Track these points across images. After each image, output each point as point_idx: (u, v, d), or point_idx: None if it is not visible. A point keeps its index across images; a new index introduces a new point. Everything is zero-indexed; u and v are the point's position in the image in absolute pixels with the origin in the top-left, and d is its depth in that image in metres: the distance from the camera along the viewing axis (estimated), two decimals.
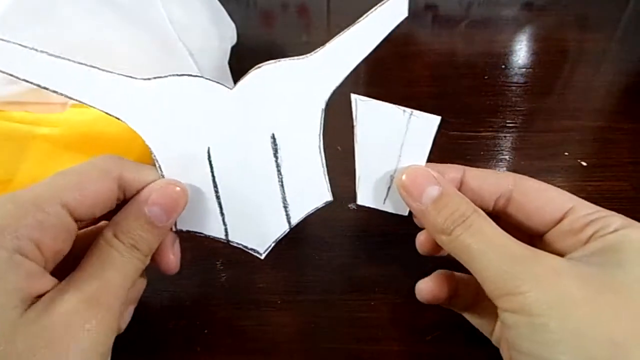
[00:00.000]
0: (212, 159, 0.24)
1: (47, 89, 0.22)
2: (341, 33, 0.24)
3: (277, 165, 0.24)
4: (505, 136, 0.39)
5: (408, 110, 0.24)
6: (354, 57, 0.25)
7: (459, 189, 0.24)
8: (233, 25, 0.43)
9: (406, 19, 0.24)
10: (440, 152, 0.37)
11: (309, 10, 0.55)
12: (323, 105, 0.25)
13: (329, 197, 0.25)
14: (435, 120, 0.24)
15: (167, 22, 0.35)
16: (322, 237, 0.32)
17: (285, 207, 0.25)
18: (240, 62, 0.42)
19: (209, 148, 0.24)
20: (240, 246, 0.25)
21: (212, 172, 0.24)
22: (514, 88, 0.44)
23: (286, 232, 0.25)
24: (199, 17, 0.37)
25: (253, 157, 0.24)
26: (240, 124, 0.24)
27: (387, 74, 0.47)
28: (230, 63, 0.41)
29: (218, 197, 0.24)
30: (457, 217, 0.22)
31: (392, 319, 0.27)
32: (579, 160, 0.37)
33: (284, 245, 0.31)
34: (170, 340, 0.27)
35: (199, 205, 0.24)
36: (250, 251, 0.25)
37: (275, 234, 0.25)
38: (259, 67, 0.23)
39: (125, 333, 0.27)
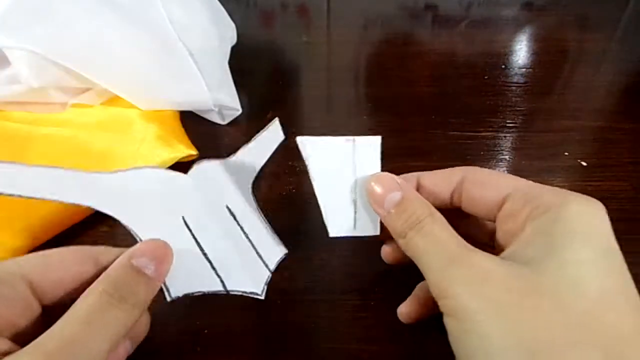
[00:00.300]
0: (189, 225, 0.26)
1: (20, 196, 0.23)
2: (242, 147, 0.32)
3: (241, 227, 0.28)
4: (505, 136, 0.39)
5: (350, 137, 0.25)
6: (256, 163, 0.33)
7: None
8: (233, 25, 0.43)
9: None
10: (441, 152, 0.38)
11: (309, 10, 0.54)
12: (250, 188, 0.30)
13: (284, 250, 0.28)
14: (377, 140, 0.25)
15: (167, 22, 0.35)
16: (322, 237, 0.32)
17: (261, 257, 0.27)
18: (241, 62, 0.42)
19: (183, 217, 0.26)
20: (239, 293, 0.26)
21: (192, 234, 0.26)
22: (514, 88, 0.44)
23: (270, 276, 0.27)
24: (199, 17, 0.37)
25: (221, 221, 0.27)
26: (201, 199, 0.27)
27: (387, 74, 0.47)
28: (230, 63, 0.41)
29: (205, 255, 0.26)
30: (413, 221, 0.22)
31: (392, 319, 0.27)
32: (579, 160, 0.37)
33: (284, 245, 0.31)
34: (170, 340, 0.27)
35: (190, 267, 0.25)
36: (250, 295, 0.26)
37: (263, 278, 0.27)
38: (199, 163, 0.28)
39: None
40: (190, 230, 0.26)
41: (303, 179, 0.35)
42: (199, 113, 0.40)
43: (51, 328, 0.18)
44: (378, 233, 0.26)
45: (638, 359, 0.17)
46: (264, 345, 0.27)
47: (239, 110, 0.40)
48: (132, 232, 0.24)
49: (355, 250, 0.31)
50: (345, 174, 0.25)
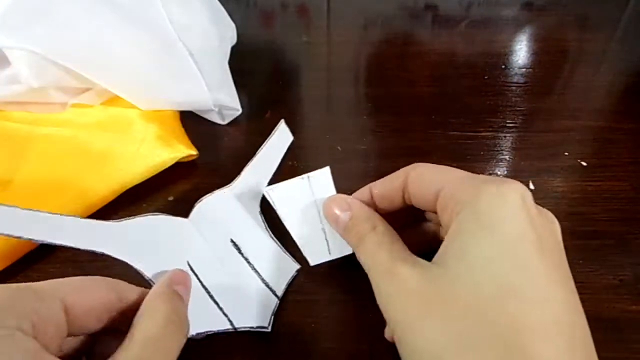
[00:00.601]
0: (194, 268, 0.27)
1: (41, 241, 0.25)
2: (249, 162, 0.33)
3: (246, 259, 0.29)
4: (505, 136, 0.39)
5: (305, 175, 0.28)
6: (264, 176, 0.33)
7: (374, 206, 0.26)
8: (233, 25, 0.43)
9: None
10: (441, 152, 0.38)
11: (309, 10, 0.54)
12: (258, 210, 0.31)
13: (297, 266, 0.30)
14: (327, 170, 0.28)
15: (167, 22, 0.35)
16: None
17: (267, 285, 0.28)
18: (241, 62, 0.42)
19: (188, 261, 0.27)
20: (247, 329, 0.27)
21: (198, 279, 0.27)
22: (514, 88, 0.44)
23: (278, 303, 0.28)
24: (199, 17, 0.37)
25: (225, 258, 0.29)
26: (204, 240, 0.29)
27: (387, 74, 0.47)
28: (230, 63, 0.41)
29: (212, 297, 0.27)
30: (359, 237, 0.24)
31: None
32: (579, 160, 0.37)
33: (284, 245, 0.31)
34: None
35: (199, 308, 0.26)
36: (257, 329, 0.27)
37: (270, 308, 0.28)
38: (201, 200, 0.30)
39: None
40: (195, 274, 0.27)
41: None
42: (199, 113, 0.40)
43: (121, 352, 0.19)
44: (352, 252, 0.27)
45: (541, 348, 0.17)
46: (264, 345, 0.27)
47: (239, 110, 0.40)
48: (143, 275, 0.26)
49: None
50: (309, 208, 0.28)
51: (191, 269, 0.27)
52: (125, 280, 0.23)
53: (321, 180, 0.28)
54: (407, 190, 0.25)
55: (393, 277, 0.21)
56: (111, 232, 0.27)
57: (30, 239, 0.25)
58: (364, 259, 0.23)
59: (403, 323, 0.20)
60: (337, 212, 0.26)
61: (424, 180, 0.24)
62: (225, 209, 0.30)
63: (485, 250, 0.19)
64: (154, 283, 0.25)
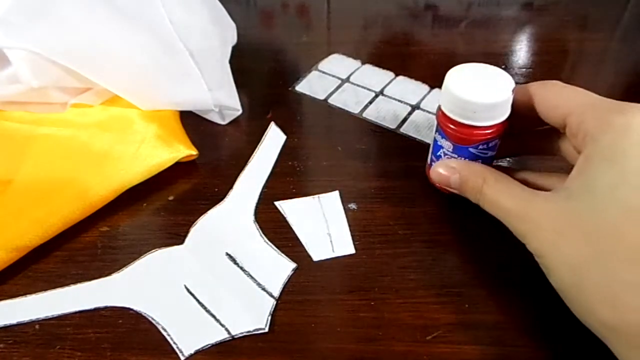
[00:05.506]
0: (191, 290, 0.29)
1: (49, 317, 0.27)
2: (242, 171, 0.35)
3: (241, 268, 0.30)
4: None
5: (316, 196, 0.33)
6: (258, 181, 0.34)
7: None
8: (233, 25, 0.43)
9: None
10: None
11: (309, 10, 0.54)
12: (252, 218, 0.32)
13: (292, 265, 0.30)
14: (335, 194, 0.33)
15: (167, 22, 0.35)
16: None
17: (263, 288, 0.29)
18: (241, 62, 0.42)
19: (185, 285, 0.29)
20: (244, 334, 0.27)
21: (195, 298, 0.28)
22: None
23: (274, 303, 0.28)
24: (199, 17, 0.37)
25: (221, 272, 0.29)
26: (200, 261, 0.30)
27: None
28: (230, 63, 0.41)
29: (208, 311, 0.27)
30: (476, 192, 0.27)
31: (392, 319, 0.27)
32: None
33: (284, 244, 0.31)
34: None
35: (196, 324, 0.27)
36: (254, 332, 0.27)
37: (266, 309, 0.28)
38: (195, 224, 0.32)
39: (129, 332, 0.27)
40: (192, 294, 0.28)
41: (303, 178, 0.35)
42: (199, 113, 0.40)
43: None
44: (354, 252, 0.30)
45: None
46: (264, 345, 0.27)
47: (239, 110, 0.40)
48: (143, 314, 0.27)
49: (355, 250, 0.31)
50: (317, 218, 0.32)
51: (188, 291, 0.28)
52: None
53: (330, 201, 0.33)
54: (535, 107, 0.28)
55: (524, 220, 0.24)
56: (112, 285, 0.29)
57: (37, 319, 0.27)
58: (490, 209, 0.27)
59: (541, 250, 0.24)
60: (446, 173, 0.29)
61: (551, 102, 0.27)
62: (218, 226, 0.32)
63: (607, 180, 0.22)
64: (162, 328, 0.27)
